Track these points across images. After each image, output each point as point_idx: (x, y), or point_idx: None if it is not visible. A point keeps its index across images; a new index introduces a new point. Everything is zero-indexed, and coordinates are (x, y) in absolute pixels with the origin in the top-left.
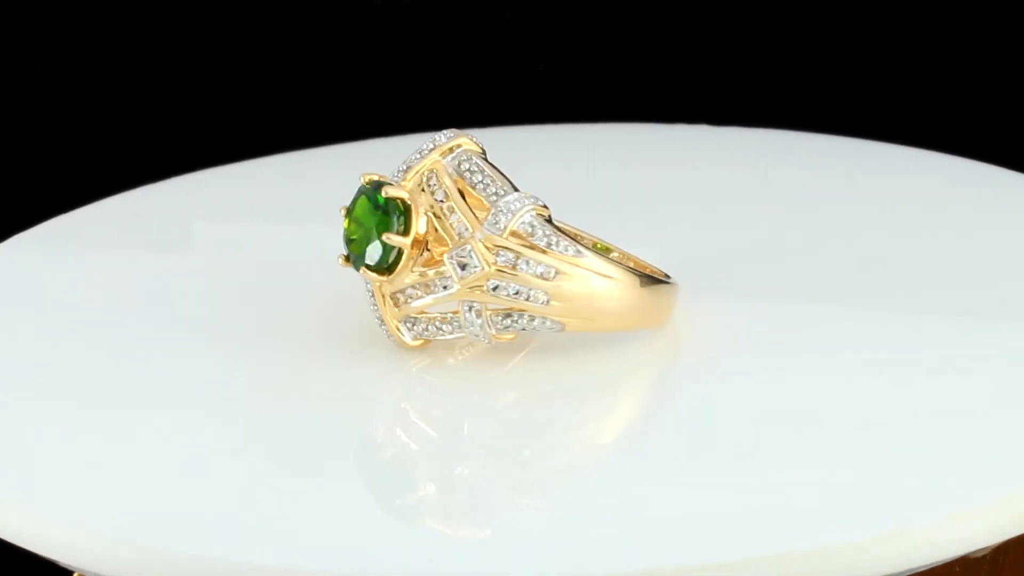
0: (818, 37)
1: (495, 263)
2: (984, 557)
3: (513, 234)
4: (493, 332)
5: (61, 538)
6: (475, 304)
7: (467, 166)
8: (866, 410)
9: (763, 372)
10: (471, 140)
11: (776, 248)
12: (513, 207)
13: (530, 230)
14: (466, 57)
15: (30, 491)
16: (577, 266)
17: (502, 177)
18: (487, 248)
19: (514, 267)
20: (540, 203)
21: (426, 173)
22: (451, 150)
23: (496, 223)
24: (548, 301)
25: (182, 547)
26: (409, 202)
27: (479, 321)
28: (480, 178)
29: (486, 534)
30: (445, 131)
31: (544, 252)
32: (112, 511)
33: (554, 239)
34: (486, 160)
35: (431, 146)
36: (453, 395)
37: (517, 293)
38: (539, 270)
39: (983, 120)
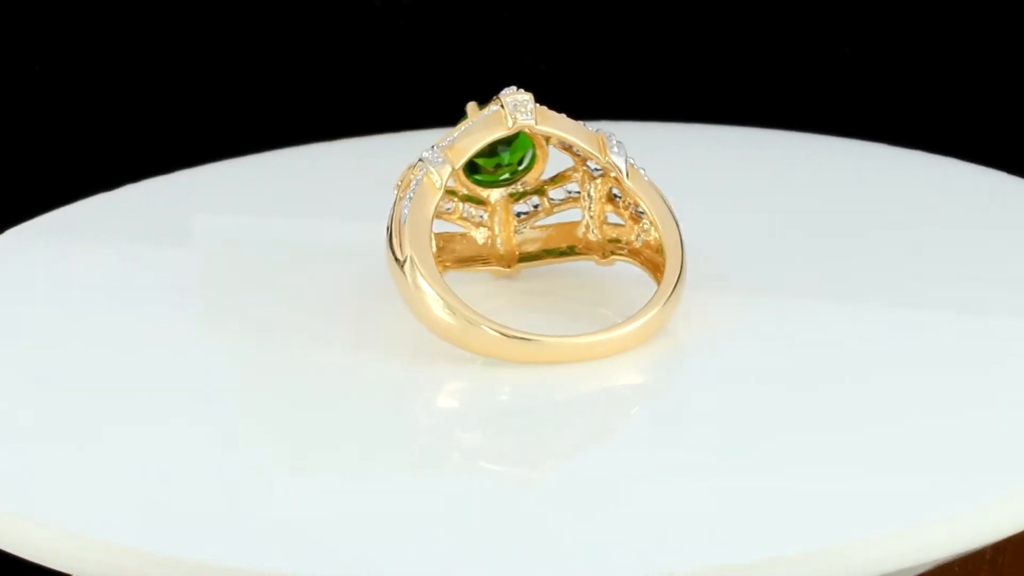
0: (818, 37)
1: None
2: (984, 557)
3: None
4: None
5: (55, 545)
6: None
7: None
8: (864, 410)
9: (763, 371)
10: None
11: (775, 248)
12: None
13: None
14: (466, 58)
15: (25, 489)
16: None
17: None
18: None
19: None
20: (448, 167)
21: None
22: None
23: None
24: None
25: (170, 550)
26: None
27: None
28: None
29: (489, 534)
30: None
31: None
32: (110, 511)
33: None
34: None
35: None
36: (451, 394)
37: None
38: None
39: (983, 122)
